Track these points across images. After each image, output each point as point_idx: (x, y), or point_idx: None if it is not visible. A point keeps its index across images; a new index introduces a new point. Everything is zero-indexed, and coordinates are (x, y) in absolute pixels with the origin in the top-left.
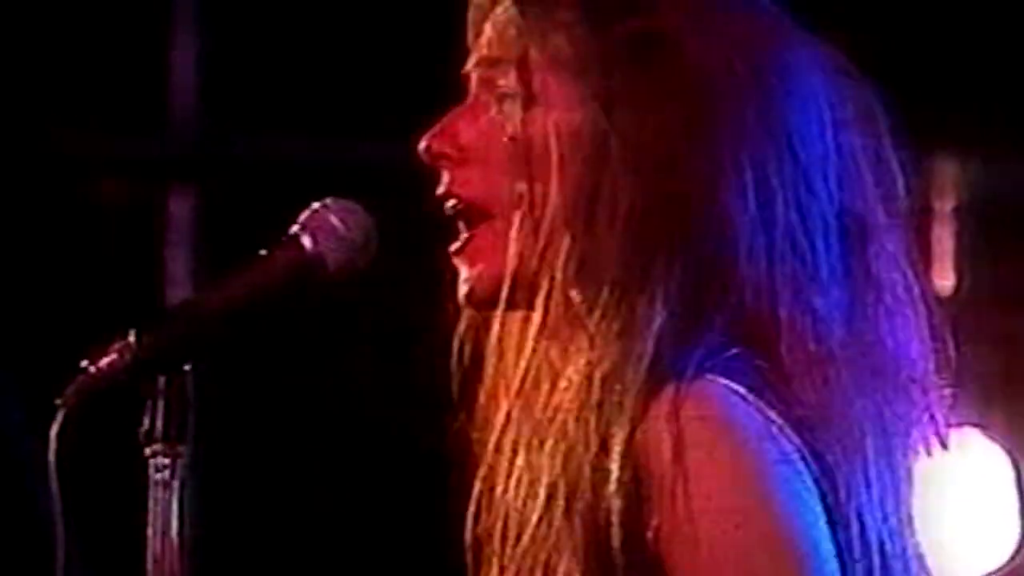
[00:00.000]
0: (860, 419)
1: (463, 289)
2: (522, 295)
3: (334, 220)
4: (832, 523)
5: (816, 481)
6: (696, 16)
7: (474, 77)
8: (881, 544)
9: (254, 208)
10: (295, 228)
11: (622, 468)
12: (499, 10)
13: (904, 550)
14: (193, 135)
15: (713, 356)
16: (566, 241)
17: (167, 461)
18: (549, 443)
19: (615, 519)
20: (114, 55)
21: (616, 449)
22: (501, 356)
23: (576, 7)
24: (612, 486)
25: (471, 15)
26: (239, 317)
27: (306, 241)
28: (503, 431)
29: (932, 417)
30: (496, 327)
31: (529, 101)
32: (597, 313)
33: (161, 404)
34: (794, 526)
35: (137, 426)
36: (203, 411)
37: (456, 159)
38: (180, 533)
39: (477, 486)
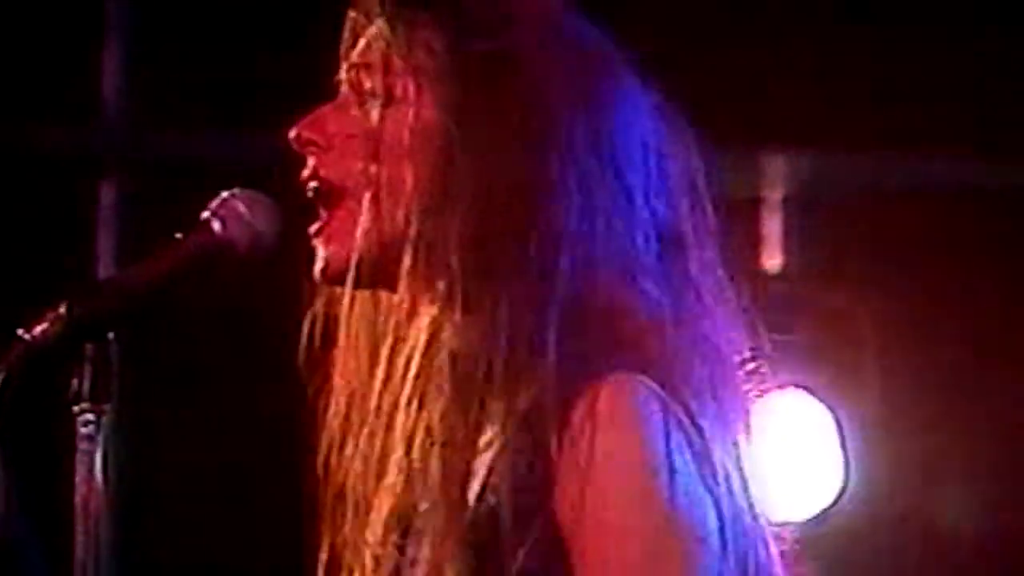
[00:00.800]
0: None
1: (318, 266)
2: (368, 274)
3: (241, 207)
4: (711, 491)
5: (697, 455)
6: (542, 45)
7: (344, 79)
8: (745, 504)
9: (173, 195)
10: (206, 214)
11: (518, 451)
12: (371, 26)
13: (752, 504)
14: (121, 129)
15: (583, 345)
16: (412, 229)
17: (92, 418)
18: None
19: (505, 495)
20: (49, 55)
21: (504, 431)
22: (350, 332)
23: (438, 26)
24: (503, 462)
25: (346, 31)
26: (158, 292)
27: (216, 226)
28: (368, 408)
29: (755, 391)
30: (346, 303)
31: (389, 101)
32: (446, 296)
33: (87, 368)
34: (693, 512)
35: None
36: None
37: (321, 146)
38: (104, 479)
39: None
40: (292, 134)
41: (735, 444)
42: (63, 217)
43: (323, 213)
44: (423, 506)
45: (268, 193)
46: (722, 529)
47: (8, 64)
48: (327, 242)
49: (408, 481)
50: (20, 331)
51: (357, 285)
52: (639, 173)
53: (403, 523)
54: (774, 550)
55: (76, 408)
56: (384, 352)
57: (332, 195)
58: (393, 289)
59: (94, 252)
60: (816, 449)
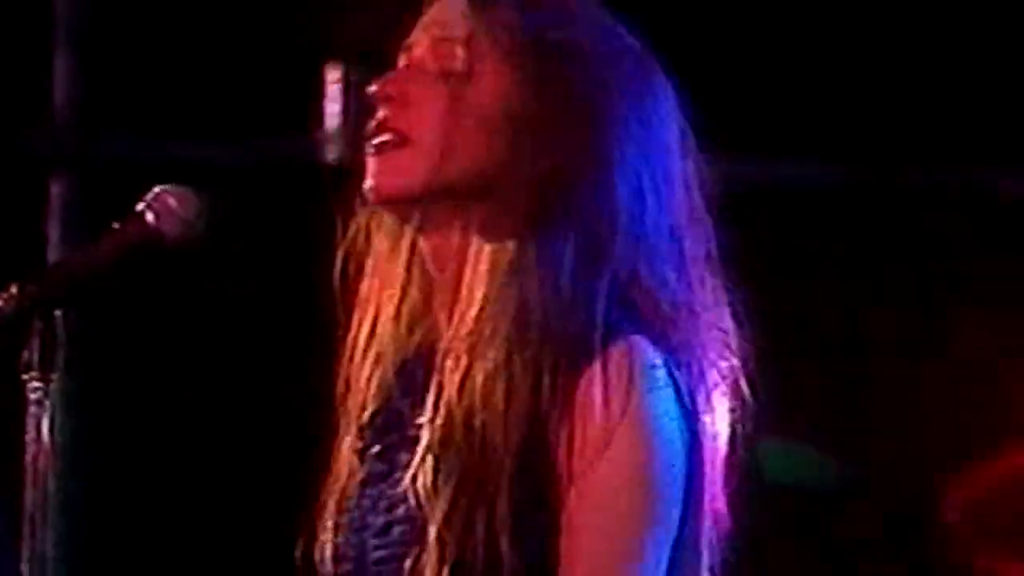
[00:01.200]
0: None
1: (371, 185)
2: (420, 207)
3: (171, 201)
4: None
5: (687, 415)
6: (599, 42)
7: (423, 47)
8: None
9: (115, 190)
10: (141, 206)
11: (552, 389)
12: (456, 4)
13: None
14: (69, 132)
15: (617, 309)
16: (482, 182)
17: (41, 385)
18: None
19: (524, 424)
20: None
21: (547, 376)
22: (381, 261)
23: (518, 12)
24: (539, 396)
25: (427, 5)
26: (98, 274)
27: (149, 217)
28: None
29: (739, 364)
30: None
31: (469, 74)
32: (514, 241)
33: (36, 341)
34: (673, 476)
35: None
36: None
37: (399, 102)
38: (51, 440)
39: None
40: (374, 87)
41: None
42: (18, 211)
43: (388, 151)
44: (436, 421)
45: (201, 190)
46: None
47: None
48: (388, 170)
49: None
50: None
51: (405, 213)
52: (664, 171)
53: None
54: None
55: (26, 376)
56: (416, 289)
57: (401, 143)
58: (435, 232)
59: (45, 241)
60: None
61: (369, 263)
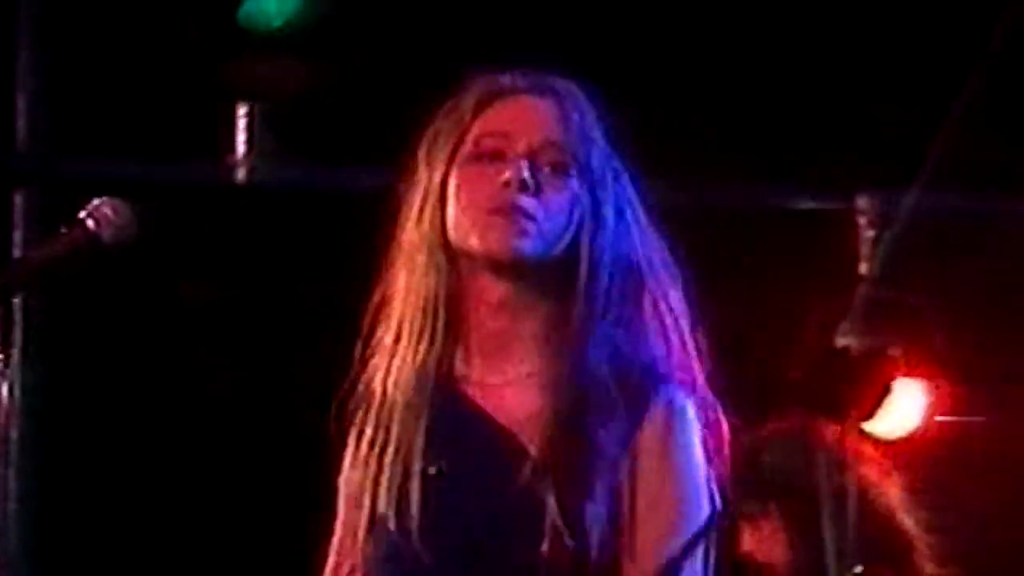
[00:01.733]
0: None
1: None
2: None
3: (107, 211)
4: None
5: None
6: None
7: (537, 149)
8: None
9: (71, 201)
10: (83, 214)
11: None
12: (560, 110)
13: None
14: (31, 153)
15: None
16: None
17: (1, 357)
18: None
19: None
20: None
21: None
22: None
23: (599, 129)
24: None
25: (531, 109)
26: (46, 269)
27: (90, 223)
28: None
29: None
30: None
31: (569, 172)
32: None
33: None
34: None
35: None
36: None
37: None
38: (10, 400)
39: None
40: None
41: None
42: None
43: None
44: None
45: (133, 202)
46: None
47: None
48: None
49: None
50: None
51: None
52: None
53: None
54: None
55: None
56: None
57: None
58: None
59: (11, 245)
60: None
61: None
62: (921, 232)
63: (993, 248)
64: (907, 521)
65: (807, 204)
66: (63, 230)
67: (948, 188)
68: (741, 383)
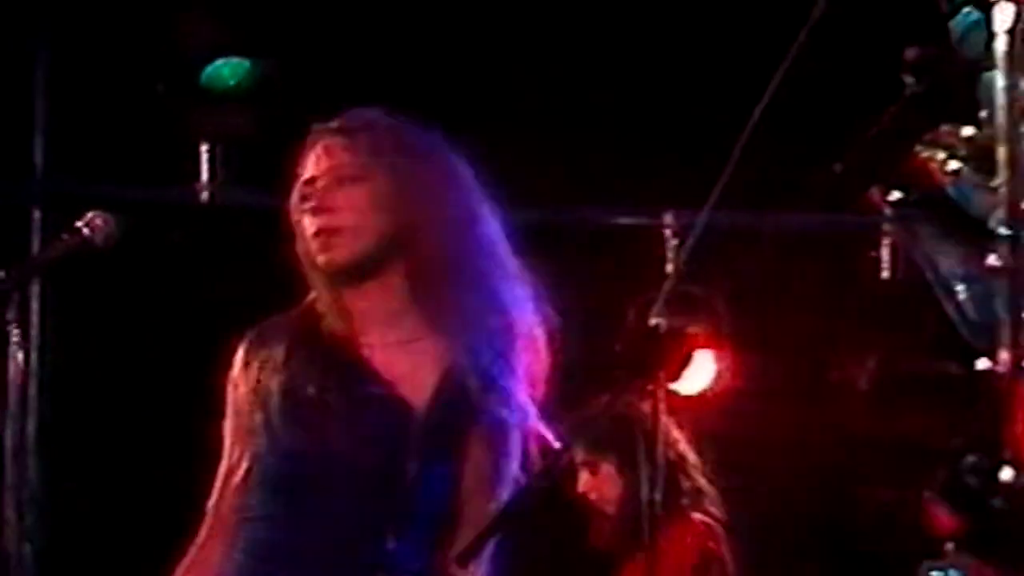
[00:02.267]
0: None
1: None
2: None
3: (98, 221)
4: None
5: None
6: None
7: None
8: None
9: (73, 216)
10: (79, 223)
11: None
12: (345, 139)
13: None
14: (45, 179)
15: None
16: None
17: (17, 330)
18: None
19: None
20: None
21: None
22: None
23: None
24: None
25: (325, 141)
26: (51, 265)
27: (85, 230)
28: None
29: None
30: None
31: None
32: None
33: (12, 306)
34: None
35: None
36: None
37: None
38: (26, 365)
39: None
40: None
41: None
42: (10, 230)
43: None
44: None
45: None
46: None
47: None
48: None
49: None
50: None
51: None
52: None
53: None
54: None
55: (8, 327)
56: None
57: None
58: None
59: (29, 249)
60: None
61: None
62: (711, 239)
63: (766, 251)
64: (694, 465)
65: (627, 220)
66: (64, 236)
67: (731, 206)
68: (583, 357)
